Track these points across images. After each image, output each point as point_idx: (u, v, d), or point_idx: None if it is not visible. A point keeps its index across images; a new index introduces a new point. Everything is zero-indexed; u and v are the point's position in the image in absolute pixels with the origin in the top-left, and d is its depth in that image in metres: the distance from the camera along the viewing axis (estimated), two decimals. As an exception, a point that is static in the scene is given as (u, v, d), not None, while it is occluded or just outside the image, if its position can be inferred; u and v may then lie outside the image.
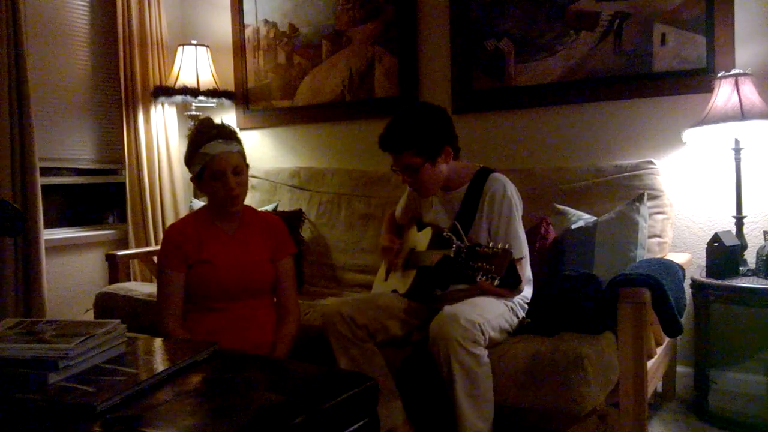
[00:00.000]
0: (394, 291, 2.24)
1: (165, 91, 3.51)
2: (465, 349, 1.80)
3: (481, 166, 2.19)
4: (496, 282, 1.68)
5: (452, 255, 1.78)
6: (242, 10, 3.71)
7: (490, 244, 1.72)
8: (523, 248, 2.07)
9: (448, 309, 1.90)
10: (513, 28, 2.98)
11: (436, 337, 1.84)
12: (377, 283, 2.43)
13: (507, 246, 1.70)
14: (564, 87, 2.88)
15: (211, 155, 1.91)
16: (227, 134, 1.98)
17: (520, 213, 2.11)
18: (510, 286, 1.97)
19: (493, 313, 1.96)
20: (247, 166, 2.03)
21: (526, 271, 2.13)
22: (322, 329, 2.05)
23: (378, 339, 2.05)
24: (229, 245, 2.03)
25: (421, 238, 2.21)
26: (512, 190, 2.10)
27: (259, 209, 3.24)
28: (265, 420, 1.10)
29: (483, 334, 1.85)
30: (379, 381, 1.39)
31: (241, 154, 1.99)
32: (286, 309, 2.08)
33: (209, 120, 2.06)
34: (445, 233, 1.87)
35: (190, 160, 1.99)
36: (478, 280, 1.71)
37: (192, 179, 2.03)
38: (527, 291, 2.15)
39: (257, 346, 1.94)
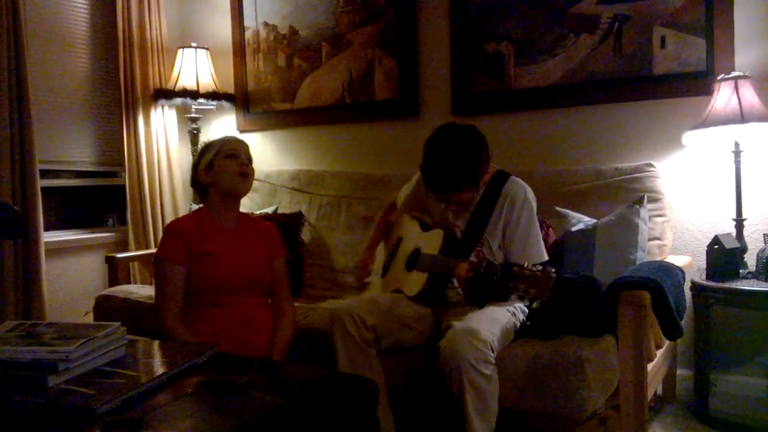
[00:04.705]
0: (398, 290, 2.21)
1: (165, 94, 3.51)
2: (477, 370, 1.78)
3: (499, 168, 2.18)
4: (535, 304, 1.66)
5: (482, 271, 1.76)
6: (242, 12, 3.72)
7: (526, 265, 1.70)
8: (543, 253, 2.08)
9: (459, 326, 1.87)
10: (513, 30, 2.98)
11: (449, 356, 1.81)
12: (374, 282, 2.41)
13: (552, 269, 1.67)
14: (564, 89, 2.88)
15: (226, 140, 2.12)
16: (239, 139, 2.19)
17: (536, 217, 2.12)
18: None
19: (500, 325, 1.94)
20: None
21: None
22: (329, 326, 2.02)
23: (383, 345, 2.03)
24: (230, 239, 2.05)
25: (428, 239, 2.19)
26: (531, 194, 2.11)
27: (260, 211, 3.27)
28: (266, 422, 1.09)
29: (493, 352, 1.84)
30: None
31: (250, 154, 2.14)
32: (282, 310, 2.09)
33: None
34: (477, 248, 1.86)
35: (202, 155, 2.10)
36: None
37: (201, 173, 2.06)
38: None
39: (256, 346, 1.94)
